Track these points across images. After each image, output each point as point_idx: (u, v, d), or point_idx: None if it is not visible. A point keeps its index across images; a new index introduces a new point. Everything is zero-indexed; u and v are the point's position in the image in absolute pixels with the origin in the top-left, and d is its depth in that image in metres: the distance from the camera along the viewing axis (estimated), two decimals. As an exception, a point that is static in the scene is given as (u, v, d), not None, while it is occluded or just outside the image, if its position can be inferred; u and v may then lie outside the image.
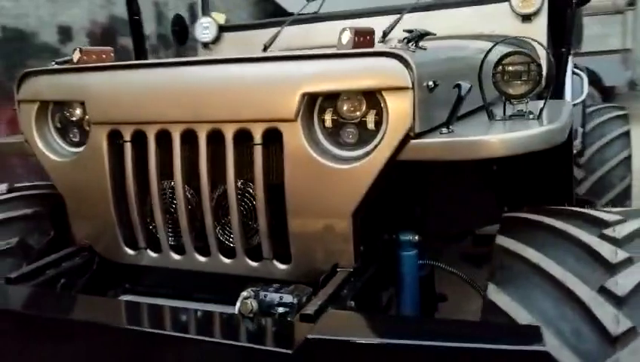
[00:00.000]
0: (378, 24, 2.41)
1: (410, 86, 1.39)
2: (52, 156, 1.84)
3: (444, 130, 1.46)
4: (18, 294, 1.61)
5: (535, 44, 2.56)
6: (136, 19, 2.85)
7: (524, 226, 1.56)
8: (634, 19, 12.37)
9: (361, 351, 1.09)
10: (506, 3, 2.54)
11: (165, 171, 1.67)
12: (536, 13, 2.52)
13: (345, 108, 1.49)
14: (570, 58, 3.17)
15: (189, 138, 1.61)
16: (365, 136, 1.49)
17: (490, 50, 1.63)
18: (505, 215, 1.66)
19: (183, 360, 1.29)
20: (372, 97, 1.46)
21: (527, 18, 2.53)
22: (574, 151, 2.96)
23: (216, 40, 3.05)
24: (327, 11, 2.88)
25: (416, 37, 1.57)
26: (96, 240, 1.83)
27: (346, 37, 1.49)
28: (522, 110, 1.64)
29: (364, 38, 1.55)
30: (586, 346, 1.25)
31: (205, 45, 3.07)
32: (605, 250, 1.38)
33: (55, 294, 1.70)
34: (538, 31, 2.54)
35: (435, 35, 1.67)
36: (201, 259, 1.69)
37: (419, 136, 1.42)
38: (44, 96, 1.83)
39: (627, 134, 3.82)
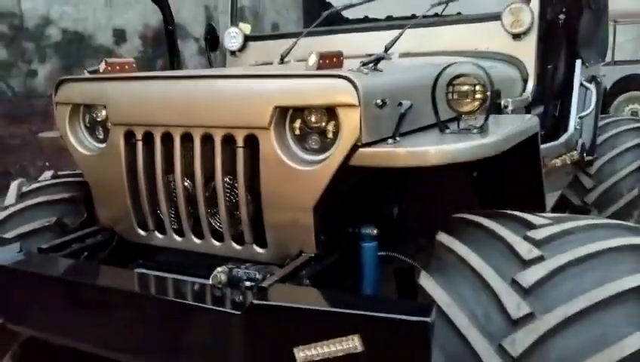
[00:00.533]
0: (387, 37, 2.70)
1: (357, 103, 1.65)
2: (81, 150, 2.21)
3: (391, 141, 1.72)
4: (49, 262, 1.98)
5: (526, 61, 2.78)
6: (170, 28, 3.21)
7: (464, 225, 1.79)
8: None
9: (286, 314, 1.38)
10: (499, 22, 2.74)
11: (169, 166, 2.00)
12: (525, 33, 2.70)
13: (310, 119, 1.77)
14: (577, 71, 3.33)
15: (187, 139, 1.93)
16: (326, 143, 1.76)
17: (440, 73, 1.86)
18: (453, 216, 1.90)
19: (165, 316, 1.61)
20: (332, 111, 1.73)
21: (517, 36, 2.72)
22: (568, 161, 3.12)
23: (242, 48, 3.38)
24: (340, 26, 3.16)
25: (374, 60, 1.83)
26: (115, 222, 2.19)
27: (312, 60, 1.77)
28: (472, 125, 1.87)
29: (330, 60, 1.83)
30: (491, 328, 1.49)
31: (232, 53, 3.41)
32: (523, 248, 1.61)
33: (79, 263, 2.06)
34: (527, 48, 2.73)
35: (391, 58, 1.91)
36: (197, 241, 2.01)
37: (366, 145, 1.68)
38: (75, 100, 2.19)
39: (639, 147, 3.90)
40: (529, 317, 1.45)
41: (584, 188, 3.81)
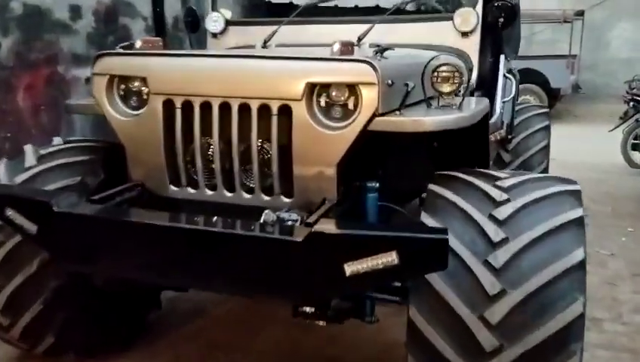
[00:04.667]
0: (354, 29, 3.19)
1: (377, 82, 2.15)
2: (117, 115, 2.53)
3: (397, 112, 2.23)
4: (100, 209, 2.30)
5: (471, 54, 3.40)
6: (158, 11, 3.52)
7: (448, 179, 2.36)
8: (581, 28, 13.58)
9: (338, 238, 1.87)
10: (450, 22, 3.34)
11: (205, 130, 2.39)
12: (472, 31, 3.32)
13: (333, 94, 2.24)
14: (502, 64, 4.03)
15: (224, 108, 2.33)
16: (347, 113, 2.24)
17: (429, 62, 2.40)
18: (437, 173, 2.45)
19: (235, 250, 2.01)
20: (352, 88, 2.22)
21: (465, 34, 3.34)
22: (498, 138, 3.81)
23: (223, 31, 3.75)
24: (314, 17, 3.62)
25: (381, 50, 2.33)
26: (148, 179, 2.53)
27: (336, 47, 2.24)
28: (449, 103, 2.42)
29: (346, 47, 2.30)
30: (477, 248, 2.05)
31: (214, 35, 3.77)
32: (494, 193, 2.19)
33: (127, 208, 2.40)
34: (473, 44, 3.35)
35: (394, 49, 2.43)
36: (228, 194, 2.42)
37: (381, 115, 2.19)
38: (114, 72, 2.51)
39: (547, 128, 4.72)
40: (505, 240, 2.04)
41: (503, 161, 4.57)
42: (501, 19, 3.37)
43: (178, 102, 2.39)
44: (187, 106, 2.38)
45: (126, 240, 2.14)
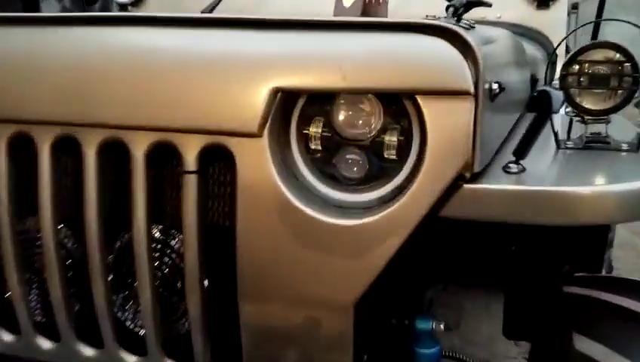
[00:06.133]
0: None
1: (472, 90, 0.77)
2: None
3: (514, 166, 0.86)
4: None
5: (553, 37, 2.08)
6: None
7: (615, 321, 0.99)
8: (576, 23, 12.48)
9: None
10: (520, -17, 2.01)
11: (28, 202, 0.99)
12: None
13: (343, 118, 0.85)
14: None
15: (69, 150, 0.93)
16: (380, 168, 0.86)
17: (562, 41, 1.10)
18: (568, 291, 1.09)
19: None
20: (394, 103, 0.84)
21: (543, 3, 2.01)
22: None
23: (138, 2, 2.33)
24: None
25: (463, 5, 0.96)
26: None
27: (351, -3, 0.85)
28: (601, 133, 1.09)
29: (375, 1, 0.92)
30: None
31: (123, 7, 2.34)
32: None
33: None
34: (556, 21, 2.02)
35: (490, 4, 1.08)
36: (88, 351, 1.01)
37: (475, 177, 0.81)
38: None
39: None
40: None
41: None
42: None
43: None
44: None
45: None
